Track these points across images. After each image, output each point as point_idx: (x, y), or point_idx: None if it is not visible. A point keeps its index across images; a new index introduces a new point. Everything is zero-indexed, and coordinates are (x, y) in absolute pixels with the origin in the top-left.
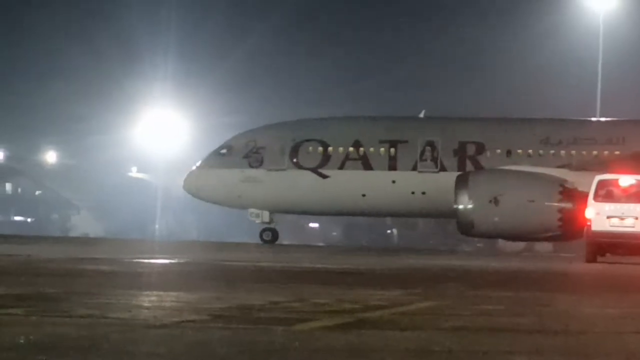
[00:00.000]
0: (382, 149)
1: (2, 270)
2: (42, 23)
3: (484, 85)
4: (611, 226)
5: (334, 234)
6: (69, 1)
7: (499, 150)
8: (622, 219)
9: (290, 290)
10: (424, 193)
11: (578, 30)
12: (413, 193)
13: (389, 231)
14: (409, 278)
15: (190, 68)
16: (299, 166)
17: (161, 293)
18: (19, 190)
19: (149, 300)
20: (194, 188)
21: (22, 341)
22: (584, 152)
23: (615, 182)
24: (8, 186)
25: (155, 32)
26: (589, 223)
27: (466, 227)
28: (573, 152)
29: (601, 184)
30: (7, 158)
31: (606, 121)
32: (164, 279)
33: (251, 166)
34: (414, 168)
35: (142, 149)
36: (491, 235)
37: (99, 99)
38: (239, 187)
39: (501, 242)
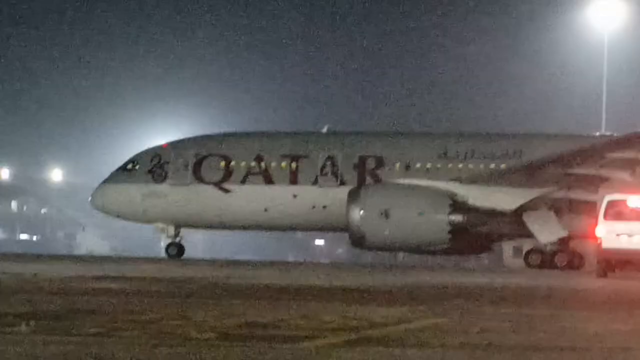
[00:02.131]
0: (283, 164)
1: (8, 289)
2: (47, 43)
3: (498, 103)
4: (620, 243)
5: (340, 251)
6: (74, 22)
7: (397, 164)
8: (630, 236)
9: (296, 307)
10: (324, 207)
11: (583, 49)
12: (314, 207)
13: None
14: (414, 295)
15: (193, 85)
16: (201, 181)
17: (168, 311)
18: (25, 208)
19: (156, 318)
20: (100, 203)
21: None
22: (481, 166)
23: (623, 202)
24: (14, 204)
25: (161, 50)
26: (599, 240)
27: (358, 240)
28: (470, 165)
29: (611, 204)
30: (13, 176)
31: (504, 134)
32: (171, 297)
33: (155, 181)
34: (315, 182)
35: None
36: (382, 248)
37: (103, 118)
38: (144, 202)
39: (507, 259)
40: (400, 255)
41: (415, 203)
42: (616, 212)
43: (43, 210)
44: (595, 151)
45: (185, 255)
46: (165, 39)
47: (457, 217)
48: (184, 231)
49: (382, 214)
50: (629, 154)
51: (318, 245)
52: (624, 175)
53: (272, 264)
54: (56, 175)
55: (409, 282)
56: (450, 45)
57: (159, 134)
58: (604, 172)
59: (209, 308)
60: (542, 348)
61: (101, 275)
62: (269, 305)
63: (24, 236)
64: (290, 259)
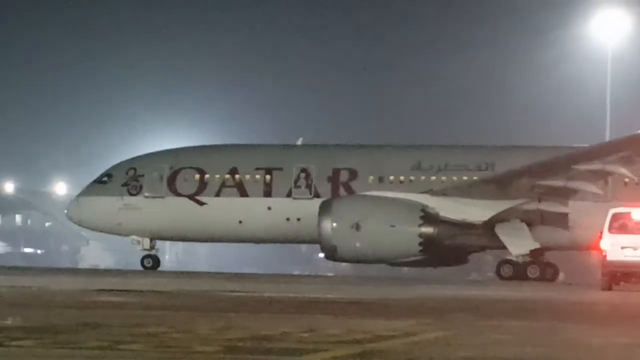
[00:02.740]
0: (257, 176)
1: (12, 302)
2: (50, 54)
3: (500, 115)
4: (625, 256)
5: (344, 264)
6: (80, 33)
7: (371, 177)
8: (635, 249)
9: (301, 320)
10: (299, 219)
11: (587, 61)
12: (288, 219)
13: None
14: (419, 308)
15: (199, 97)
16: (176, 193)
17: (172, 324)
18: (29, 222)
19: (161, 332)
20: (76, 216)
21: None
22: (454, 178)
23: (628, 215)
24: (18, 218)
25: (164, 60)
26: (604, 253)
27: (330, 252)
28: (444, 178)
29: (615, 217)
30: (17, 190)
31: (477, 147)
32: (175, 310)
33: (130, 194)
34: (289, 194)
35: None
36: (354, 260)
37: (107, 131)
38: (119, 214)
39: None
40: (405, 268)
41: (386, 215)
42: (621, 225)
43: (47, 224)
44: (561, 163)
45: (189, 268)
46: (164, 51)
47: (428, 229)
48: (191, 244)
49: (353, 226)
50: (595, 166)
51: (322, 258)
52: (593, 187)
53: (276, 277)
54: (60, 188)
55: (414, 295)
56: (449, 57)
57: (159, 147)
58: (572, 184)
59: (213, 321)
60: None
61: (105, 288)
62: (273, 318)
63: (28, 249)
64: (295, 272)
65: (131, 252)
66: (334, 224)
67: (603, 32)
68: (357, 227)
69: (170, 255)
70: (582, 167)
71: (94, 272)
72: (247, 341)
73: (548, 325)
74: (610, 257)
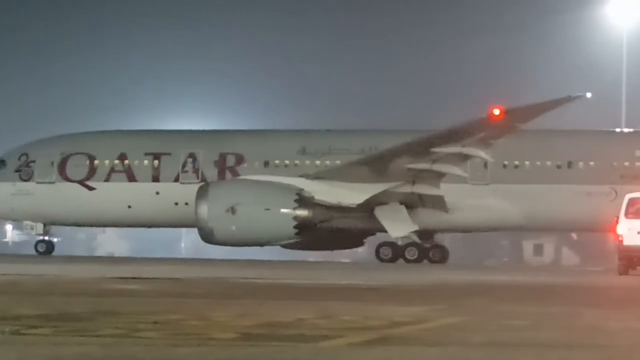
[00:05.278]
0: (146, 161)
1: (28, 290)
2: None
3: (514, 99)
4: None
5: (360, 249)
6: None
7: (257, 162)
8: None
9: (316, 307)
10: (186, 204)
11: (601, 45)
12: (176, 204)
13: None
14: (434, 294)
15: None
16: (66, 179)
17: (188, 311)
18: None
19: (176, 319)
20: None
21: None
22: (337, 162)
23: None
24: None
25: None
26: (620, 238)
27: (207, 235)
28: (328, 162)
29: (631, 202)
30: None
31: (361, 131)
32: (191, 297)
33: (22, 179)
34: (177, 179)
35: None
36: (231, 243)
37: (126, 116)
38: (12, 200)
39: (527, 257)
40: None
41: (261, 199)
42: (637, 210)
43: None
44: (419, 146)
45: (204, 256)
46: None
47: (303, 212)
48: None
49: (228, 210)
50: (453, 149)
51: None
52: (456, 170)
53: (291, 263)
54: None
55: (429, 280)
56: (461, 41)
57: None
58: (436, 167)
59: (229, 308)
60: (563, 345)
61: (121, 276)
62: (289, 305)
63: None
64: (310, 259)
65: (147, 240)
66: (210, 208)
67: (618, 15)
68: (233, 210)
69: (186, 242)
70: (441, 149)
71: (110, 259)
72: (263, 328)
73: (565, 310)
74: (627, 242)
